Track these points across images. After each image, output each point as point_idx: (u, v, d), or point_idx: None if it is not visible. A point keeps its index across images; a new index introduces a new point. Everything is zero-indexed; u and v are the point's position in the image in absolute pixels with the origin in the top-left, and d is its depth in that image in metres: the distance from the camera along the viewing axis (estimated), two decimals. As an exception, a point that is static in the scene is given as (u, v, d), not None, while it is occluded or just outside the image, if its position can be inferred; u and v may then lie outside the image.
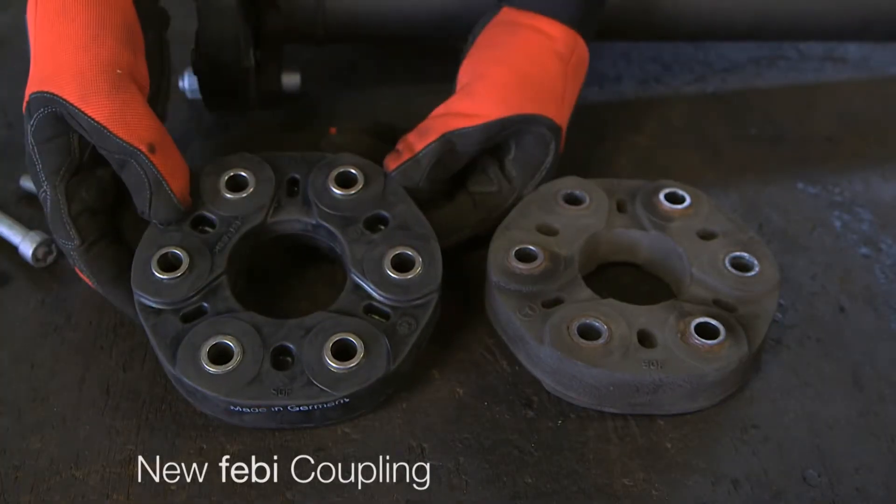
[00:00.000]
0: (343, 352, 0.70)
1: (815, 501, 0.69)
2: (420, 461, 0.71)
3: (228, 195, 0.78)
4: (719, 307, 0.76)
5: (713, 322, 0.73)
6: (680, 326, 0.73)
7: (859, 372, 0.78)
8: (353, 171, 0.80)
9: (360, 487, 0.69)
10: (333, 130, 0.90)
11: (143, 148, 0.73)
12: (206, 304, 0.73)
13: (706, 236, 0.81)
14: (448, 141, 0.80)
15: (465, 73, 0.85)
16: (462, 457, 0.71)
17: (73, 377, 0.75)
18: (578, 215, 0.82)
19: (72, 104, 0.72)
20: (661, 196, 0.83)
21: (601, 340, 0.72)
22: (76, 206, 0.74)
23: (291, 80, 0.99)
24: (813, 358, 0.79)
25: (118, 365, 0.76)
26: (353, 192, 0.79)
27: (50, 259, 0.84)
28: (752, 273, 0.77)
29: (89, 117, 0.72)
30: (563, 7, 0.84)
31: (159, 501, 0.68)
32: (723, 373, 0.72)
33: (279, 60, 0.99)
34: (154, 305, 0.72)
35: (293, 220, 0.79)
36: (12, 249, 0.84)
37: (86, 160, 0.75)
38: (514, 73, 0.82)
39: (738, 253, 0.79)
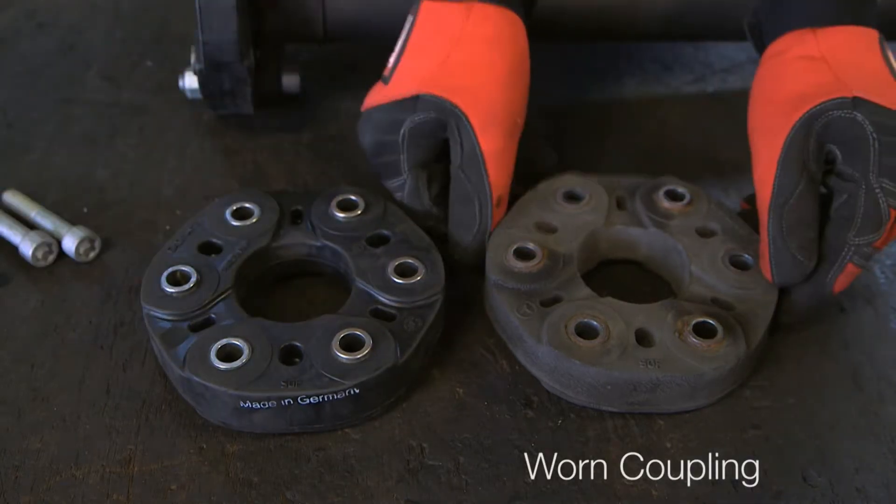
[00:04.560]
0: (351, 345, 0.71)
1: (815, 501, 0.69)
2: (420, 461, 0.71)
3: (235, 223, 0.80)
4: (717, 306, 0.76)
5: (711, 321, 0.73)
6: (678, 325, 0.73)
7: (859, 372, 0.78)
8: (353, 197, 0.82)
9: (360, 487, 0.69)
10: None
11: (494, 198, 0.77)
12: (213, 316, 0.74)
13: (705, 234, 0.81)
14: (779, 208, 0.75)
15: (750, 139, 0.82)
16: (462, 457, 0.71)
17: (73, 377, 0.75)
18: (577, 213, 0.82)
19: (472, 127, 0.77)
20: (661, 193, 0.83)
21: (599, 339, 0.72)
22: (434, 189, 0.81)
23: (291, 80, 1.00)
24: (813, 358, 0.79)
25: (118, 365, 0.76)
26: (354, 215, 0.81)
27: (50, 259, 0.84)
28: (751, 271, 0.77)
29: (478, 145, 0.76)
30: (797, 16, 0.81)
31: (159, 501, 0.68)
32: (720, 372, 0.72)
33: (279, 60, 0.99)
34: (163, 317, 0.73)
35: (298, 243, 0.81)
36: (12, 249, 0.84)
37: (439, 154, 0.81)
38: (769, 104, 0.80)
39: (737, 251, 0.79)
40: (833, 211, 0.76)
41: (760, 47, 0.86)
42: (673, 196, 0.83)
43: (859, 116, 0.74)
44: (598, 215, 0.83)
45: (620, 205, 0.84)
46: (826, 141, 0.76)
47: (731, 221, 0.82)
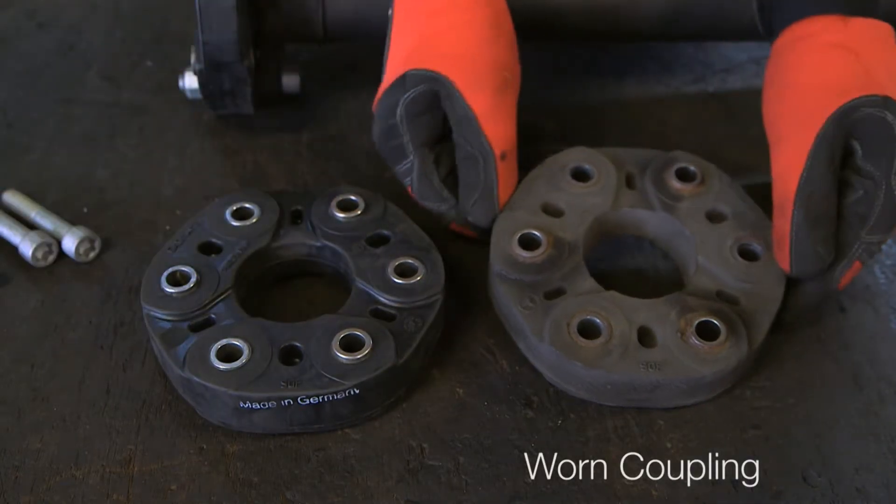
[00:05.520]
0: (351, 345, 0.71)
1: (815, 501, 0.69)
2: (420, 461, 0.71)
3: (235, 223, 0.80)
4: (723, 299, 0.75)
5: (714, 321, 0.72)
6: (681, 324, 0.73)
7: (859, 372, 0.78)
8: (353, 197, 0.82)
9: (360, 487, 0.69)
10: None
11: (497, 152, 0.77)
12: (213, 316, 0.74)
13: (715, 218, 0.80)
14: (805, 199, 0.74)
15: (769, 127, 0.81)
16: (462, 457, 0.71)
17: (73, 377, 0.75)
18: (585, 193, 0.81)
19: (457, 89, 0.77)
20: (672, 172, 0.82)
21: (600, 339, 0.72)
22: (443, 171, 0.80)
23: (291, 80, 1.00)
24: (813, 358, 0.79)
25: (118, 365, 0.76)
26: (354, 215, 0.81)
27: (50, 259, 0.84)
28: (759, 262, 0.77)
29: (469, 106, 0.76)
30: (819, 2, 0.81)
31: (159, 501, 0.68)
32: (721, 374, 0.72)
33: (279, 60, 0.99)
34: (163, 317, 0.73)
35: (298, 243, 0.81)
36: (12, 249, 0.84)
37: (446, 132, 0.80)
38: (799, 92, 0.79)
39: (746, 239, 0.78)
40: (845, 206, 0.76)
41: (768, 23, 0.86)
42: (684, 175, 0.82)
43: (889, 117, 0.74)
44: (605, 196, 0.81)
45: (630, 182, 0.83)
46: (851, 136, 0.76)
47: (742, 204, 0.81)
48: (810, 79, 0.79)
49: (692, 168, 0.82)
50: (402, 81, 0.79)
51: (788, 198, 0.75)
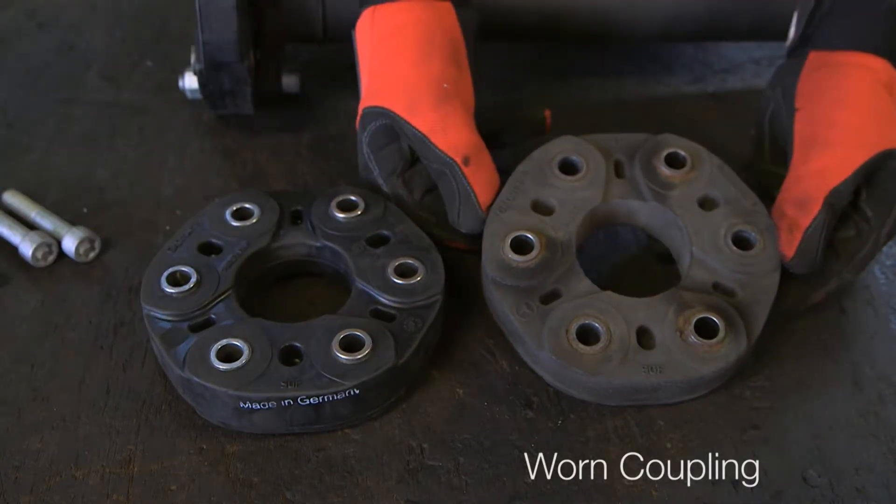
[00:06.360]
0: (351, 345, 0.71)
1: (815, 501, 0.69)
2: (420, 461, 0.71)
3: (235, 223, 0.80)
4: (719, 291, 0.75)
5: (712, 318, 0.72)
6: (679, 323, 0.73)
7: (859, 372, 0.78)
8: (353, 197, 0.82)
9: (360, 487, 0.69)
10: None
11: (458, 159, 0.78)
12: (213, 316, 0.74)
13: (707, 204, 0.80)
14: (832, 205, 0.77)
15: (805, 125, 0.82)
16: (462, 457, 0.71)
17: (73, 377, 0.75)
18: (574, 187, 0.80)
19: (400, 116, 0.79)
20: (661, 158, 0.81)
21: (600, 345, 0.71)
22: (418, 192, 0.83)
23: (291, 80, 1.00)
24: (813, 358, 0.79)
25: (118, 365, 0.76)
26: (354, 215, 0.81)
27: (50, 259, 0.84)
28: (754, 251, 0.77)
29: (414, 128, 0.78)
30: (873, 41, 0.83)
31: (159, 501, 0.68)
32: (721, 372, 0.72)
33: (279, 60, 0.99)
34: (163, 317, 0.73)
35: (298, 243, 0.81)
36: (12, 249, 0.84)
37: (416, 157, 0.83)
38: (860, 113, 0.81)
39: (739, 226, 0.78)
40: (836, 237, 0.78)
41: (806, 30, 0.87)
42: (673, 162, 0.81)
43: None
44: (595, 189, 0.80)
45: (619, 171, 0.82)
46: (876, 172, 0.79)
47: (733, 189, 0.80)
48: (874, 105, 0.81)
49: (682, 153, 0.81)
50: (362, 120, 0.82)
51: (817, 197, 0.76)
